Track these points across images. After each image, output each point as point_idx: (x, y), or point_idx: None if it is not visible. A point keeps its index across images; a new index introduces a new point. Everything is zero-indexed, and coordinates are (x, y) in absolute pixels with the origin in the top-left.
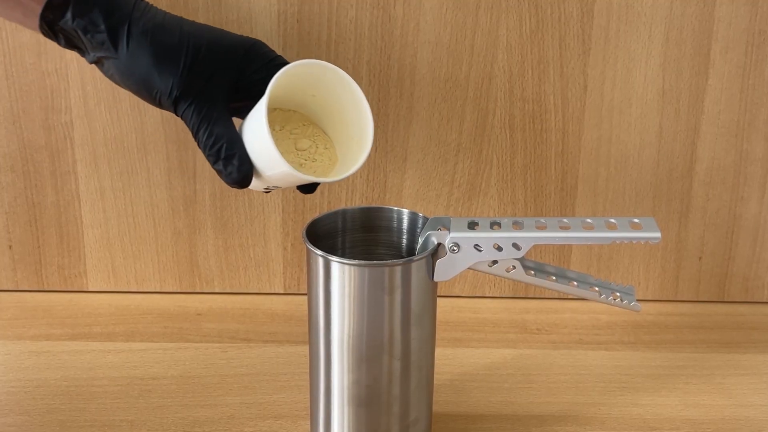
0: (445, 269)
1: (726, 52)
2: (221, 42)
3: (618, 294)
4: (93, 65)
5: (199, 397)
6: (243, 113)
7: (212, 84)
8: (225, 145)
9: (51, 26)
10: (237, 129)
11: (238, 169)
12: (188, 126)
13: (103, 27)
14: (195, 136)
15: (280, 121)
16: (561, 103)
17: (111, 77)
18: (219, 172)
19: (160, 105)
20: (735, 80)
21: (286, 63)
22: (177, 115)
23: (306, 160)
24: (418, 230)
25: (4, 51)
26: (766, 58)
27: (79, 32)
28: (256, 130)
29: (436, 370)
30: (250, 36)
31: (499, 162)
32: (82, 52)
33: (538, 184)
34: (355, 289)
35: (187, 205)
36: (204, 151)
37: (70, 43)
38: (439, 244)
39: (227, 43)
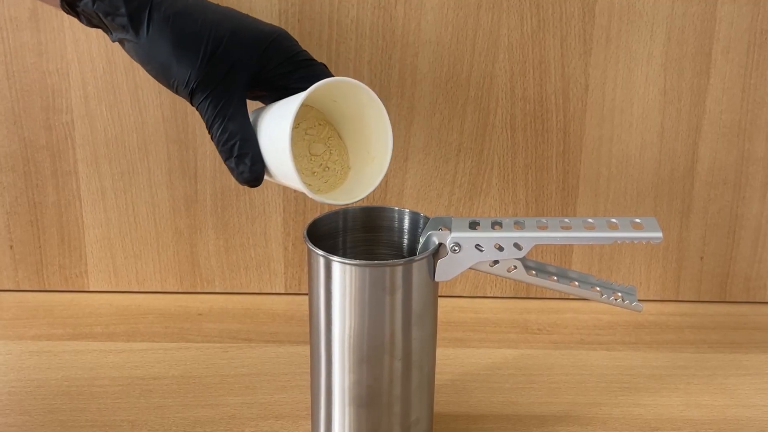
0: (446, 269)
1: (727, 52)
2: (243, 33)
3: (619, 294)
4: (93, 66)
5: (200, 397)
6: (263, 100)
7: (231, 77)
8: (239, 143)
9: (72, 6)
10: (252, 116)
11: (250, 168)
12: (203, 118)
13: (123, 11)
14: (209, 130)
15: (296, 117)
16: (562, 103)
17: (132, 58)
18: (230, 170)
19: (176, 92)
20: (737, 80)
21: (308, 58)
22: (192, 105)
23: (318, 167)
24: (420, 230)
25: (5, 51)
26: (767, 57)
27: (100, 15)
28: (276, 141)
29: (437, 370)
30: (274, 25)
31: (501, 162)
32: (106, 30)
33: (540, 183)
34: (356, 289)
35: (188, 205)
36: (217, 146)
37: (92, 23)
38: (440, 244)
39: (249, 35)
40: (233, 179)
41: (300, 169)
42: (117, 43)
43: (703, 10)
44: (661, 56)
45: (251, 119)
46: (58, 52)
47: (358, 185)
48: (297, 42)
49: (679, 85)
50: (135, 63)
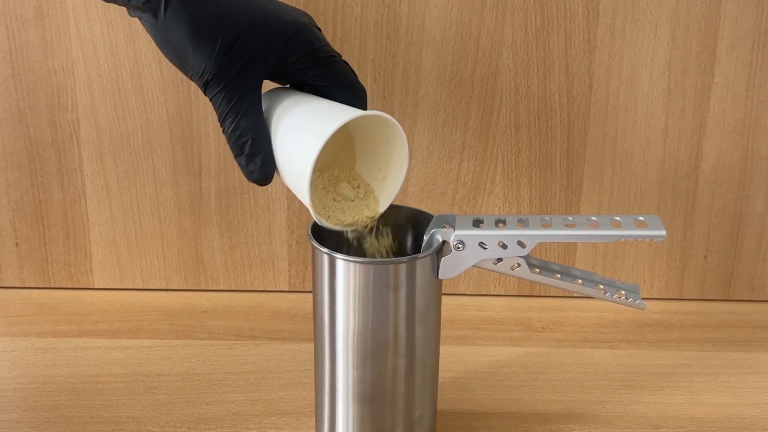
0: (449, 267)
1: (732, 50)
2: (264, 24)
3: (623, 292)
4: (98, 63)
5: (205, 394)
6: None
7: (247, 71)
8: (250, 141)
9: None
10: (265, 102)
11: (260, 168)
12: (215, 111)
13: None
14: (221, 124)
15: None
16: (566, 101)
17: (150, 36)
18: (240, 166)
19: (191, 79)
20: (741, 78)
21: (328, 54)
22: (205, 95)
23: (330, 201)
24: (423, 228)
25: (11, 49)
26: None
27: None
28: (295, 160)
29: (440, 367)
30: (299, 12)
31: (504, 160)
32: (123, 5)
33: (543, 182)
34: (360, 287)
35: (192, 202)
36: (228, 141)
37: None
38: (444, 242)
39: (270, 27)
40: (238, 177)
41: (312, 188)
42: (122, 41)
43: (707, 8)
44: (666, 54)
45: (264, 106)
46: (64, 50)
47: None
48: (319, 34)
49: (683, 84)
50: (140, 61)
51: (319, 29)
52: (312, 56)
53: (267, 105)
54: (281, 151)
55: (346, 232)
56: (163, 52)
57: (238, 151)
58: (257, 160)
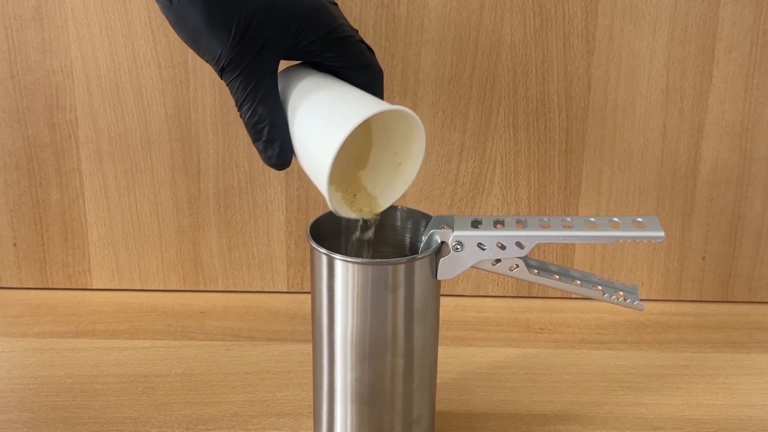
0: (448, 268)
1: (730, 52)
2: (277, 8)
3: (621, 293)
4: (97, 64)
5: (203, 395)
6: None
7: (263, 55)
8: (268, 128)
9: None
10: (281, 82)
11: (278, 155)
12: (232, 96)
13: None
14: (238, 109)
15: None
16: (565, 102)
17: (165, 17)
18: (258, 151)
19: (206, 62)
20: (739, 80)
21: (344, 35)
22: (222, 80)
23: (348, 195)
24: (422, 229)
25: (9, 49)
26: None
27: None
28: (315, 152)
29: (439, 368)
30: None
31: (503, 161)
32: None
33: (542, 183)
34: (358, 288)
35: (191, 203)
36: (245, 127)
37: None
38: (442, 243)
39: (284, 10)
40: (236, 177)
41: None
42: (121, 41)
43: (705, 9)
44: (664, 56)
45: (281, 86)
46: (62, 51)
47: (382, 196)
48: (335, 12)
49: (681, 85)
50: (138, 62)
51: (335, 4)
52: (327, 38)
53: (283, 85)
54: (300, 140)
55: (361, 221)
56: (179, 35)
57: (255, 137)
58: (275, 147)
